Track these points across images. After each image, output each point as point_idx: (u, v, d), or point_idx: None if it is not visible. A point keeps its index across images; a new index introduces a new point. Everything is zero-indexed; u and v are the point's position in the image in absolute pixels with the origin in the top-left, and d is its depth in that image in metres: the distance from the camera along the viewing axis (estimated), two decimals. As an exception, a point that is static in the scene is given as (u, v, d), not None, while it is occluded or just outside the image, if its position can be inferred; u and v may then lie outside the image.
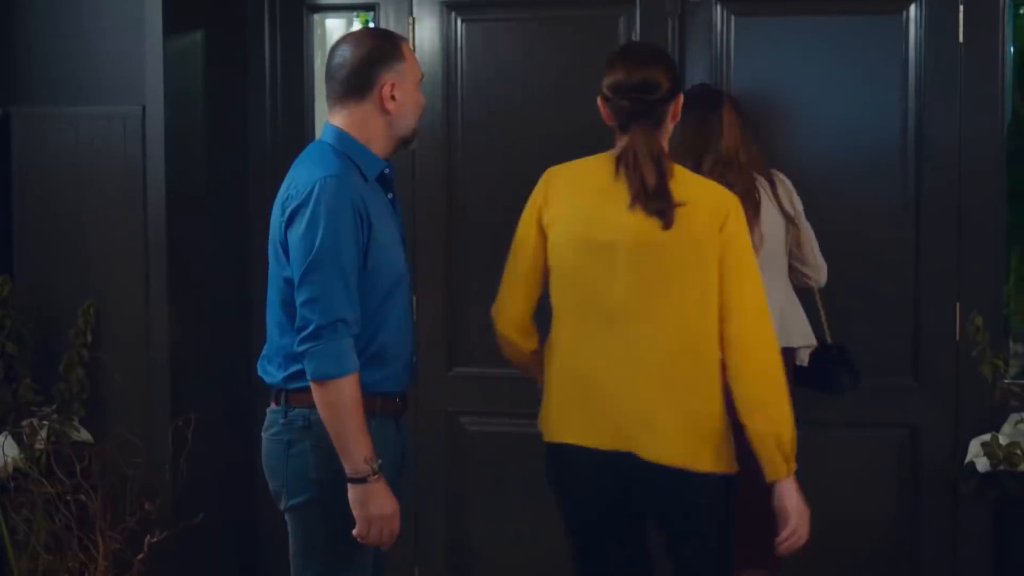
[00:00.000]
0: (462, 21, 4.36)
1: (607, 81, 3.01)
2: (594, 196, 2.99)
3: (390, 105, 2.93)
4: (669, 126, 3.04)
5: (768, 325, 2.96)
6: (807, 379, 3.74)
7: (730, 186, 3.17)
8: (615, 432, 2.95)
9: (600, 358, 2.96)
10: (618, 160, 2.98)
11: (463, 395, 4.44)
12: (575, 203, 3.00)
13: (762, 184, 3.70)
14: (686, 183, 2.96)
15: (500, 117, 4.36)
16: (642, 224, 2.92)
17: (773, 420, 2.93)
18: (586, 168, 3.05)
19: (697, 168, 3.35)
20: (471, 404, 4.43)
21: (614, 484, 3.00)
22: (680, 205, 2.90)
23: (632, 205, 2.92)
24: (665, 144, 3.02)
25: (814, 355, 3.79)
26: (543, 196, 3.05)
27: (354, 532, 2.83)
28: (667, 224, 2.89)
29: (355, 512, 2.82)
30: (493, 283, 3.20)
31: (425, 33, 4.40)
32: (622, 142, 3.00)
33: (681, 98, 3.06)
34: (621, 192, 2.95)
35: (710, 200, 2.95)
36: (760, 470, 2.97)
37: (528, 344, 3.18)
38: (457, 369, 4.44)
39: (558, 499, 3.13)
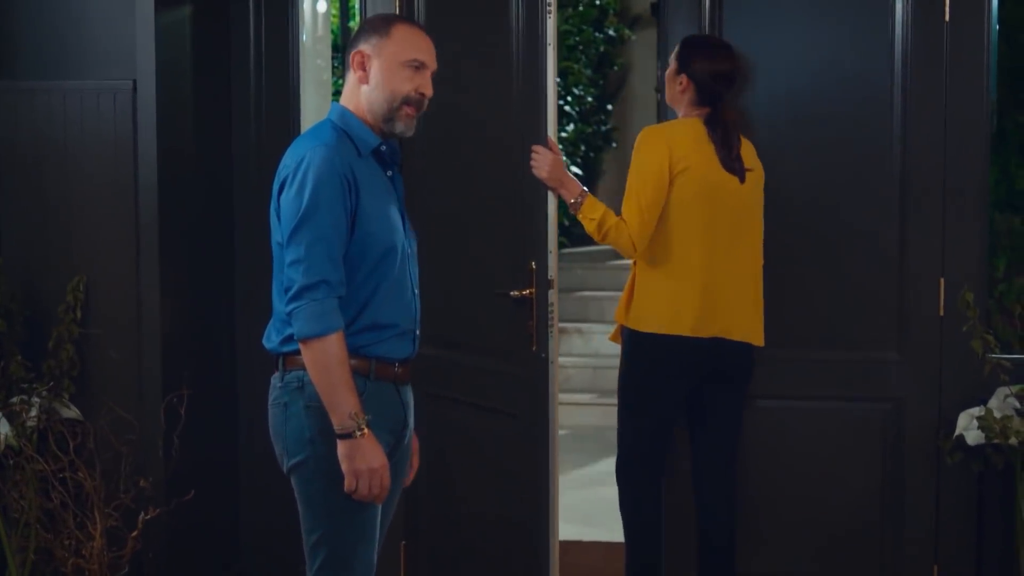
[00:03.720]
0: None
1: (712, 68, 3.87)
2: (706, 155, 3.83)
3: (360, 75, 3.01)
4: None
5: None
6: None
7: None
8: (722, 324, 3.87)
9: (715, 271, 3.85)
10: (707, 127, 3.85)
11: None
12: (696, 158, 3.81)
13: None
14: (747, 149, 3.94)
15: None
16: (732, 179, 3.85)
17: None
18: (687, 129, 3.87)
19: None
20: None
21: (710, 361, 3.90)
22: (750, 170, 3.90)
23: (723, 165, 3.84)
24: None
25: None
26: (667, 148, 3.80)
27: (344, 487, 2.88)
28: (743, 180, 3.87)
29: (343, 466, 2.87)
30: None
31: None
32: (701, 112, 3.89)
33: None
34: (713, 152, 3.84)
35: (758, 163, 3.95)
36: None
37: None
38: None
39: (654, 383, 3.92)
